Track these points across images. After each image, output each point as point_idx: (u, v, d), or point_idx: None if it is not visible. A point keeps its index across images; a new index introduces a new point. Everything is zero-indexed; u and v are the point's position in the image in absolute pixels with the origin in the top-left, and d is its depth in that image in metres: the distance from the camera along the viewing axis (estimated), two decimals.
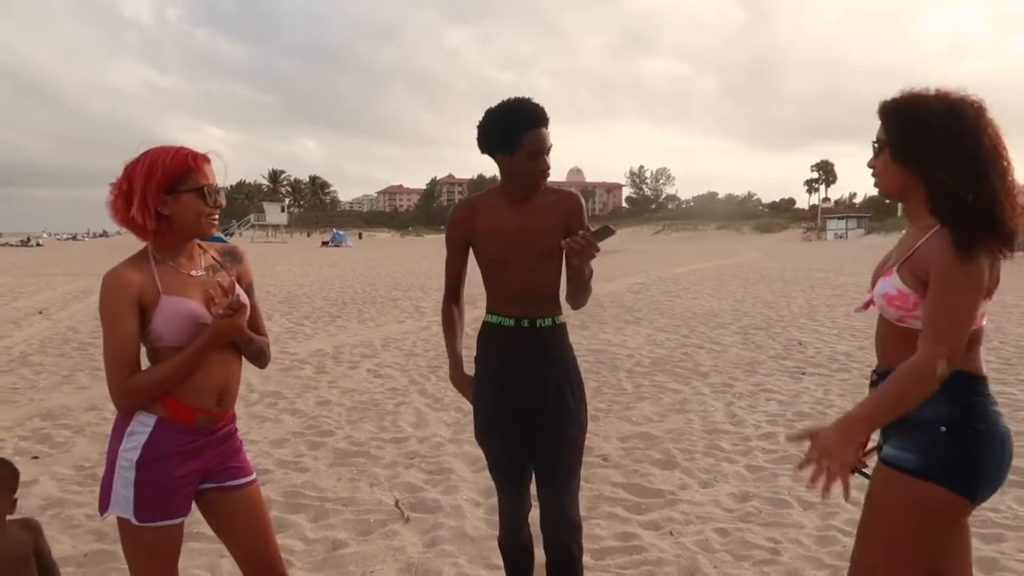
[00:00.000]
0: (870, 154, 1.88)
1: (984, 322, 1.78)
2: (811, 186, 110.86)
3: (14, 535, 2.25)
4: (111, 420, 2.04)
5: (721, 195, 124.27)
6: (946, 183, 1.69)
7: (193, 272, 2.02)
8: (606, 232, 2.29)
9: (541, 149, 2.30)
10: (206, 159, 2.00)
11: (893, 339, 1.80)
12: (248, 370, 2.15)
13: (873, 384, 1.90)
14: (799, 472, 1.73)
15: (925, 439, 1.70)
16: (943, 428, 1.69)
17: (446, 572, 3.21)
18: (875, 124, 1.85)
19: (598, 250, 2.22)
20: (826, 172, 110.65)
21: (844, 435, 1.66)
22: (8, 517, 2.25)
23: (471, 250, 2.50)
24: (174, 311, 1.93)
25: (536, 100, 2.30)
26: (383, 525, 3.71)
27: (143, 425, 1.94)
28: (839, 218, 76.66)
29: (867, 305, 1.91)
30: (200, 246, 2.11)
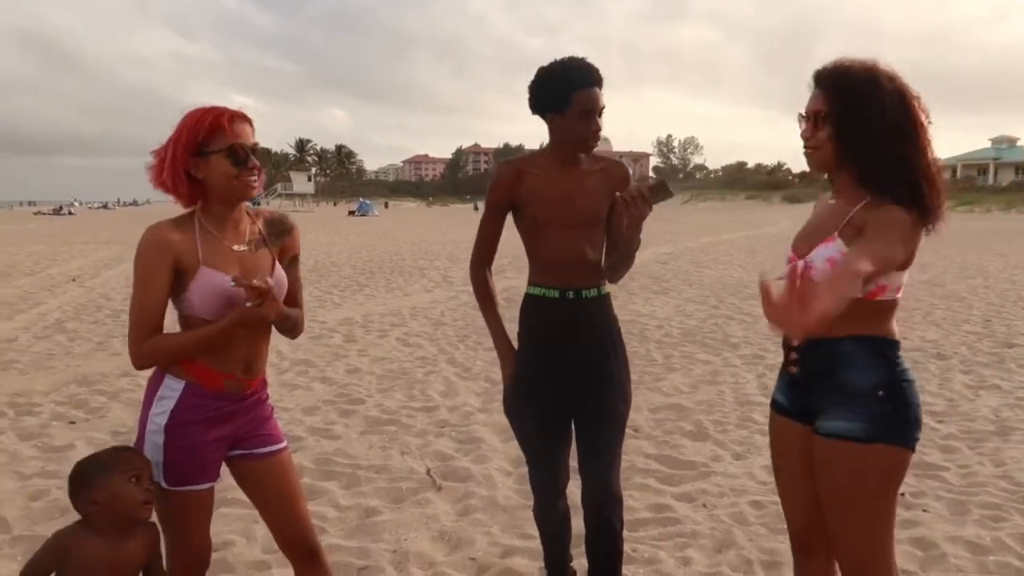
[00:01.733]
0: None
1: (900, 294, 1.81)
2: None
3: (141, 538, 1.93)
4: (145, 387, 2.03)
5: (750, 165, 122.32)
6: (889, 161, 1.72)
7: (236, 246, 1.96)
8: (662, 190, 2.15)
9: (593, 109, 2.22)
10: (239, 116, 1.90)
11: None
12: (278, 338, 2.11)
13: (795, 350, 1.88)
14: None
15: (869, 407, 1.76)
16: (881, 393, 1.76)
17: (479, 541, 3.20)
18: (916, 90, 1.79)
19: (650, 209, 2.13)
20: None
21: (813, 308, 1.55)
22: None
23: (512, 215, 2.41)
24: (209, 285, 1.89)
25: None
26: (415, 493, 3.72)
27: (171, 390, 1.93)
28: None
29: (790, 270, 1.81)
30: (249, 214, 2.04)
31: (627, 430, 2.49)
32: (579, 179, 2.31)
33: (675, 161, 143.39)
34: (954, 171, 66.70)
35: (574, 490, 2.48)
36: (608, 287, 2.42)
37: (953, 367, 6.35)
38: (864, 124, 1.73)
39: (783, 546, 3.14)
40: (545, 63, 2.26)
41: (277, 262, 2.05)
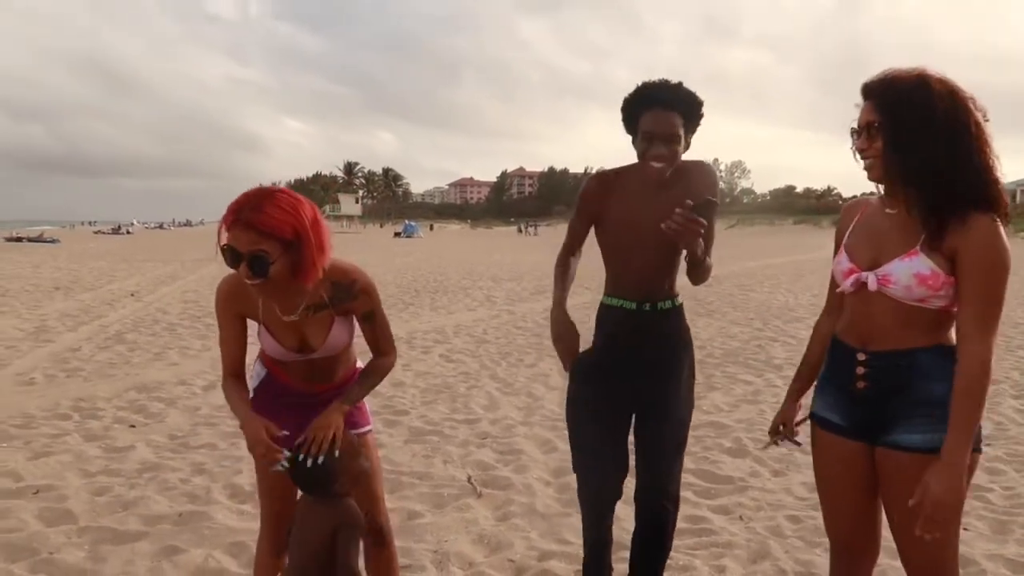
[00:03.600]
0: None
1: None
2: None
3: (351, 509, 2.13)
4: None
5: (799, 189, 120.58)
6: (947, 163, 1.70)
7: (286, 317, 2.10)
8: (708, 205, 2.16)
9: (656, 132, 2.18)
10: (232, 217, 1.88)
11: (906, 317, 1.77)
12: None
13: (863, 365, 1.85)
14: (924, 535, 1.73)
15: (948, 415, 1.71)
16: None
17: (518, 545, 3.29)
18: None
19: (703, 225, 2.10)
20: None
21: (961, 482, 1.68)
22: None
23: (594, 226, 2.43)
24: (266, 342, 2.18)
25: (685, 83, 2.21)
26: (456, 499, 3.83)
27: (257, 373, 2.28)
28: None
29: (856, 283, 1.85)
30: (315, 281, 2.03)
31: None
32: (659, 197, 2.27)
33: (721, 185, 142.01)
34: (1014, 196, 64.85)
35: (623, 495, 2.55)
36: (681, 298, 2.44)
37: (1003, 391, 6.23)
38: (918, 128, 1.71)
39: (819, 559, 3.16)
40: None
41: (338, 321, 2.15)
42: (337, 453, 2.05)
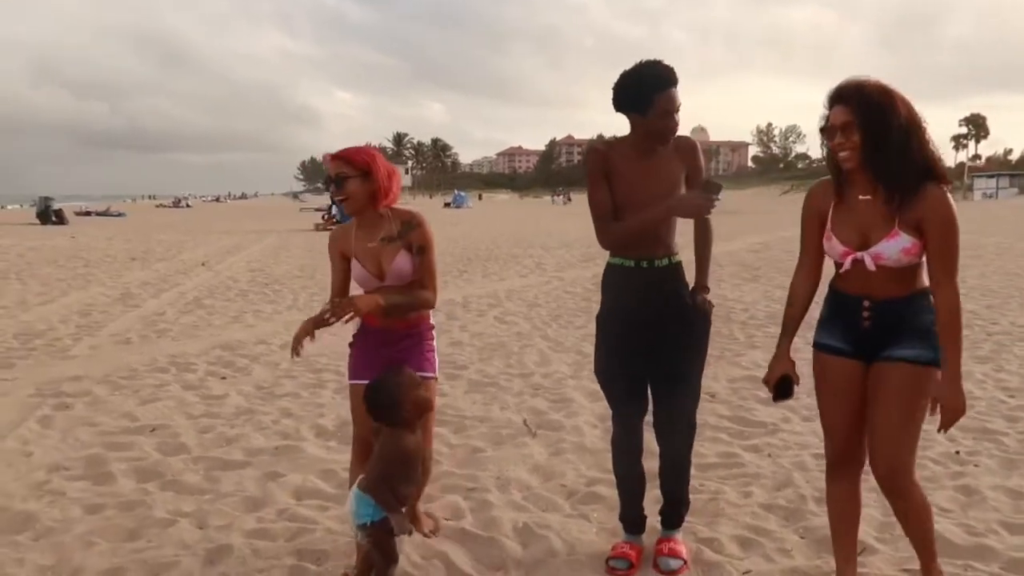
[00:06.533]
0: None
1: None
2: (958, 142, 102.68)
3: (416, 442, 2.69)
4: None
5: None
6: (908, 154, 2.21)
7: (369, 243, 2.80)
8: (711, 186, 2.54)
9: (671, 108, 2.55)
10: (330, 156, 2.77)
11: (896, 275, 2.31)
12: None
13: (868, 310, 2.36)
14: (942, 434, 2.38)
15: (929, 339, 2.30)
16: (935, 328, 2.31)
17: (569, 474, 3.77)
18: None
19: (712, 203, 2.50)
20: (976, 127, 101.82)
21: (960, 393, 2.25)
22: None
23: None
24: (355, 270, 2.85)
25: (666, 60, 2.56)
26: (513, 439, 4.32)
27: (355, 324, 2.87)
28: (989, 176, 71.16)
29: (854, 261, 2.33)
30: (388, 216, 2.83)
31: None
32: (656, 166, 2.64)
33: (775, 150, 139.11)
34: None
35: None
36: (679, 256, 2.78)
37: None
38: (887, 127, 2.20)
39: None
40: (629, 65, 2.60)
41: (403, 252, 2.78)
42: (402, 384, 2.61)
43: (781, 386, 2.57)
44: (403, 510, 2.64)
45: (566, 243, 18.77)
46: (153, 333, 7.50)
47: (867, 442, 2.44)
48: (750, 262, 14.07)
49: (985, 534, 3.04)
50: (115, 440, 4.28)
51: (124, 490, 3.59)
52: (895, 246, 2.26)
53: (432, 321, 2.98)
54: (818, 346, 2.52)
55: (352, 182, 2.71)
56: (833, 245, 2.40)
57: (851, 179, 2.34)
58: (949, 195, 2.26)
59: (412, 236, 2.80)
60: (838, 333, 2.46)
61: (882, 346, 2.36)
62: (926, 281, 2.33)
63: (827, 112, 2.30)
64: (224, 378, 5.71)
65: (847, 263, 2.36)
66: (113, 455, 4.03)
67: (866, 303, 2.36)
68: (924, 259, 2.30)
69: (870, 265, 2.30)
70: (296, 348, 2.70)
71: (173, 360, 6.25)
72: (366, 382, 2.71)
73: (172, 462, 3.94)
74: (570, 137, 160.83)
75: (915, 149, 2.22)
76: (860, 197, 2.34)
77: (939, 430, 2.28)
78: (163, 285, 11.17)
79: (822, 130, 2.33)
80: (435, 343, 2.97)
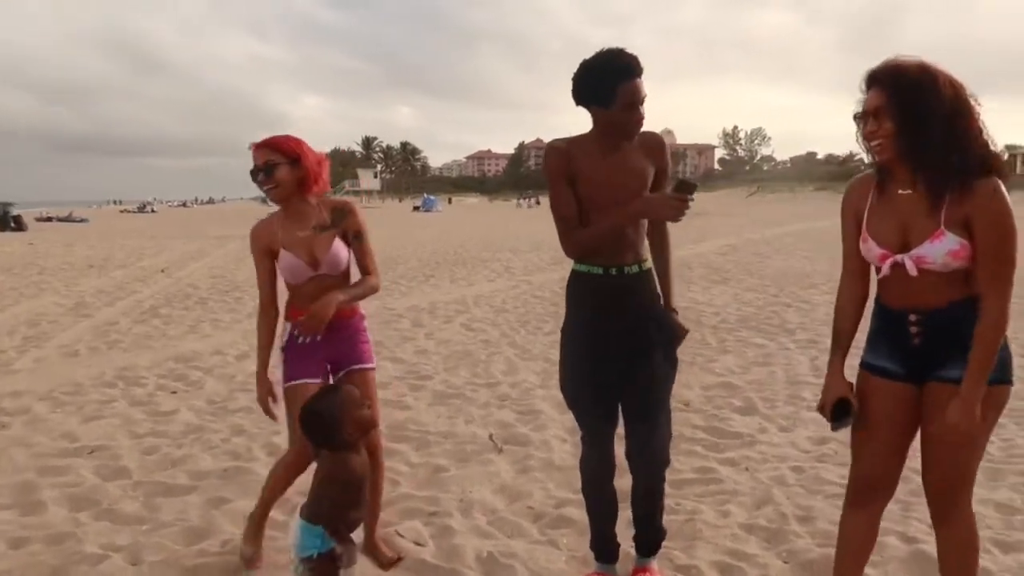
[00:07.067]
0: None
1: None
2: None
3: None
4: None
5: (820, 155, 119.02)
6: (952, 142, 1.92)
7: (300, 233, 2.72)
8: (685, 185, 2.31)
9: (636, 100, 2.33)
10: (256, 144, 2.70)
11: (944, 280, 2.01)
12: None
13: (916, 324, 2.07)
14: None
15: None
16: None
17: (536, 494, 3.55)
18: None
19: (686, 204, 2.28)
20: None
21: (975, 412, 1.97)
22: None
23: None
24: (284, 262, 2.73)
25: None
26: (479, 455, 4.09)
27: (286, 330, 2.81)
28: None
29: (893, 265, 2.05)
30: (317, 205, 2.77)
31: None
32: (621, 162, 2.42)
33: (741, 153, 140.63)
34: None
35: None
36: (649, 263, 2.57)
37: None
38: (927, 111, 1.91)
39: (819, 504, 3.39)
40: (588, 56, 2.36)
41: (338, 240, 2.73)
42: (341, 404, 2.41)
43: (838, 410, 2.22)
44: (353, 539, 2.43)
45: (535, 246, 18.57)
46: (104, 344, 7.15)
47: (921, 461, 2.17)
48: (719, 264, 14.00)
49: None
50: (50, 464, 3.97)
51: (54, 520, 3.30)
52: (940, 248, 1.96)
53: (363, 311, 2.94)
54: (864, 365, 2.23)
55: (281, 169, 2.66)
56: (870, 247, 2.11)
57: (891, 172, 2.06)
58: (1003, 189, 1.94)
59: (346, 224, 2.77)
60: (884, 351, 2.17)
61: (936, 364, 2.07)
62: (974, 288, 2.02)
63: (863, 96, 2.03)
64: (175, 392, 5.41)
65: (885, 268, 2.07)
66: (46, 481, 3.73)
67: (912, 317, 2.06)
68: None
69: (911, 270, 2.01)
70: (269, 411, 2.84)
71: (122, 374, 5.92)
72: (304, 381, 2.69)
73: (110, 488, 3.65)
74: (539, 140, 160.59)
75: (961, 136, 1.92)
76: (900, 192, 2.05)
77: (937, 454, 2.08)
78: (119, 293, 10.75)
79: (856, 117, 2.04)
80: (368, 334, 2.94)
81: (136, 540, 3.09)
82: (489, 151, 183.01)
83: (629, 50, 2.35)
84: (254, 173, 2.69)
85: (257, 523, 2.93)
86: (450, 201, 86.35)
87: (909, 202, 2.02)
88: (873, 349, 2.20)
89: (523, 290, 10.82)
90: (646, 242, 2.57)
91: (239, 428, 4.56)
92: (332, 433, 2.35)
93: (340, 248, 2.74)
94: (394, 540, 3.06)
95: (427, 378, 5.79)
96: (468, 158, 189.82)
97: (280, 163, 2.65)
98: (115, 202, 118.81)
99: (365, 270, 2.79)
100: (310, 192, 2.73)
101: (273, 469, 2.94)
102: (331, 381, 2.82)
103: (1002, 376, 2.03)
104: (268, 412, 2.85)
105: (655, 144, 2.51)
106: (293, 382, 2.74)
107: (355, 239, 2.78)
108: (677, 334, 2.57)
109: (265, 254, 2.78)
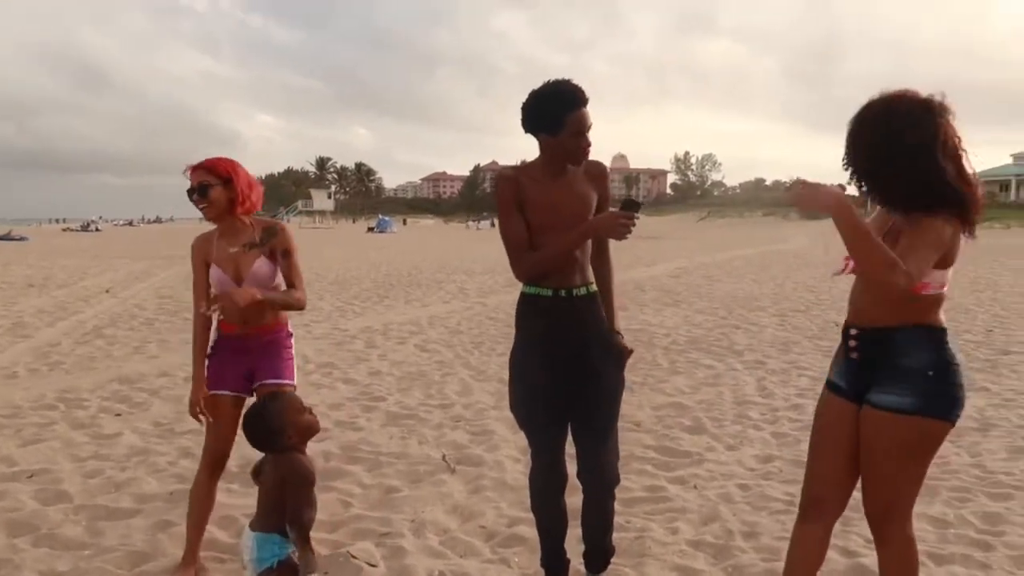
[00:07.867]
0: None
1: (945, 289, 2.11)
2: None
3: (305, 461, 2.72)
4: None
5: (768, 181, 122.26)
6: (902, 180, 2.01)
7: (231, 249, 2.90)
8: (630, 204, 2.42)
9: (583, 129, 2.45)
10: (191, 167, 2.89)
11: (885, 299, 2.07)
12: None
13: (855, 339, 2.16)
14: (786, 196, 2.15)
15: (918, 384, 2.06)
16: (931, 372, 2.06)
17: (489, 514, 3.56)
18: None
19: (632, 222, 2.39)
20: None
21: (827, 194, 1.96)
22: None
23: None
24: (214, 275, 2.91)
25: (577, 81, 2.45)
26: (432, 475, 4.09)
27: (213, 335, 3.00)
28: None
29: (846, 269, 2.14)
30: (251, 224, 2.95)
31: (628, 424, 2.77)
32: (567, 187, 2.53)
33: (692, 178, 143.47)
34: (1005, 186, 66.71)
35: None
36: (595, 286, 2.65)
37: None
38: (871, 152, 2.02)
39: (764, 520, 3.47)
40: (536, 86, 2.47)
41: (262, 258, 2.90)
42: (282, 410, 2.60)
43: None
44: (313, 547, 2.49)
45: (489, 268, 18.64)
46: (44, 366, 6.94)
47: (861, 482, 2.23)
48: (671, 287, 14.24)
49: None
50: None
51: None
52: None
53: (291, 328, 3.06)
54: (827, 383, 2.33)
55: (214, 190, 2.82)
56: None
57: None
58: (944, 225, 1.97)
59: (274, 242, 2.92)
60: (837, 366, 2.27)
61: (871, 384, 2.14)
62: (928, 317, 2.08)
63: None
64: (119, 415, 5.27)
65: (838, 268, 2.18)
66: None
67: (853, 331, 2.17)
68: (920, 290, 2.00)
69: (849, 268, 2.09)
70: (197, 416, 2.94)
71: (63, 396, 5.75)
72: (225, 392, 2.87)
73: (50, 512, 3.54)
74: (495, 163, 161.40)
75: (922, 171, 1.97)
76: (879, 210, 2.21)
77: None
78: (61, 313, 10.44)
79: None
80: (293, 351, 3.04)
81: (77, 566, 3.01)
82: (444, 173, 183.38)
83: (575, 81, 2.46)
84: (190, 193, 2.87)
85: (192, 546, 2.96)
86: (405, 222, 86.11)
87: (879, 218, 2.17)
88: (834, 363, 2.31)
89: (477, 311, 10.85)
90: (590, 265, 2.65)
91: (186, 450, 4.47)
92: (275, 438, 2.52)
93: (264, 265, 2.90)
94: (347, 562, 3.04)
95: (380, 399, 5.76)
96: (424, 180, 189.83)
97: (213, 184, 2.82)
98: (58, 220, 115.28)
99: (291, 286, 2.95)
100: (238, 211, 2.88)
101: (192, 487, 3.05)
102: (249, 394, 2.97)
103: (947, 413, 2.07)
104: (195, 416, 2.96)
105: (598, 172, 2.63)
106: (215, 392, 2.94)
107: (283, 257, 2.93)
108: (623, 355, 2.63)
109: (202, 264, 2.96)
